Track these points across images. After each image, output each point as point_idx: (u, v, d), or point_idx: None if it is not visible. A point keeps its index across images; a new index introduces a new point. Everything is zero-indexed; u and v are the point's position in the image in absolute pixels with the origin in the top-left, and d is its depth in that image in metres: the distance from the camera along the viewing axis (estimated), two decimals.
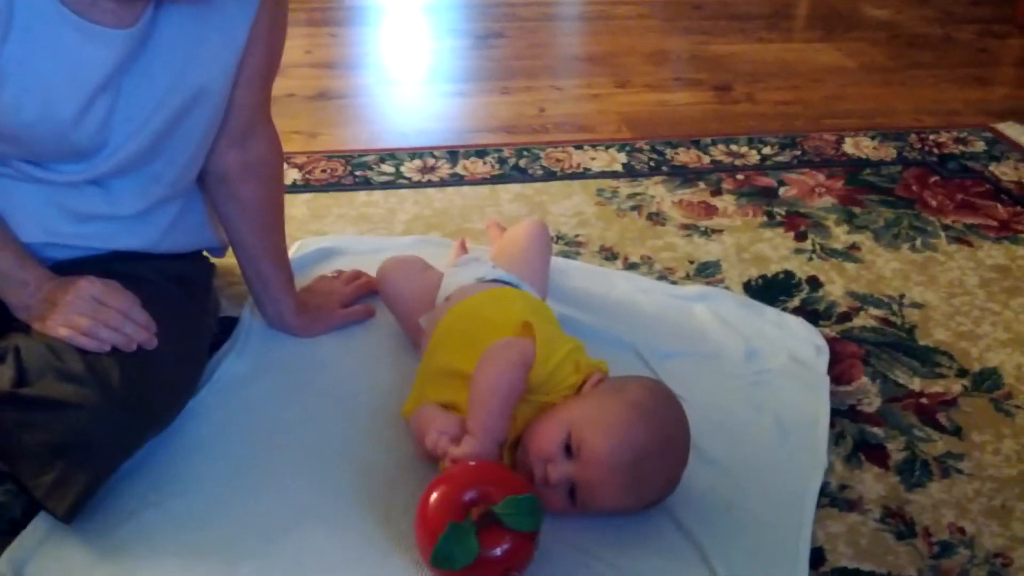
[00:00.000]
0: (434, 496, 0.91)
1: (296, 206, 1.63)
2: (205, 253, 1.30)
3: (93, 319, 1.01)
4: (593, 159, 1.84)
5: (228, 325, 1.31)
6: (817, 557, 1.01)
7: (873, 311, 1.42)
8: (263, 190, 1.20)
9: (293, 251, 1.48)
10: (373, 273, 1.38)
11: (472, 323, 1.11)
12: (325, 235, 1.54)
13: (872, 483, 1.11)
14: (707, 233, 1.60)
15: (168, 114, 1.06)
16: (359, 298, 1.34)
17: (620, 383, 1.03)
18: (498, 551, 0.88)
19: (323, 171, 1.75)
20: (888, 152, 1.90)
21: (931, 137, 1.97)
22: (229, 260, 1.33)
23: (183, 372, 1.11)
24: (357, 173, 1.75)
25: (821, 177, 1.79)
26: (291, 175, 1.72)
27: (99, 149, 1.05)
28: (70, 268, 1.08)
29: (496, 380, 0.99)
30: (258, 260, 1.23)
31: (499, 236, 1.44)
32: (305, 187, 1.69)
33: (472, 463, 0.95)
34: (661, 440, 0.98)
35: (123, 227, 1.12)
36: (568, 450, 0.96)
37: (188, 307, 1.17)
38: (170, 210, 1.16)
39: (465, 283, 1.19)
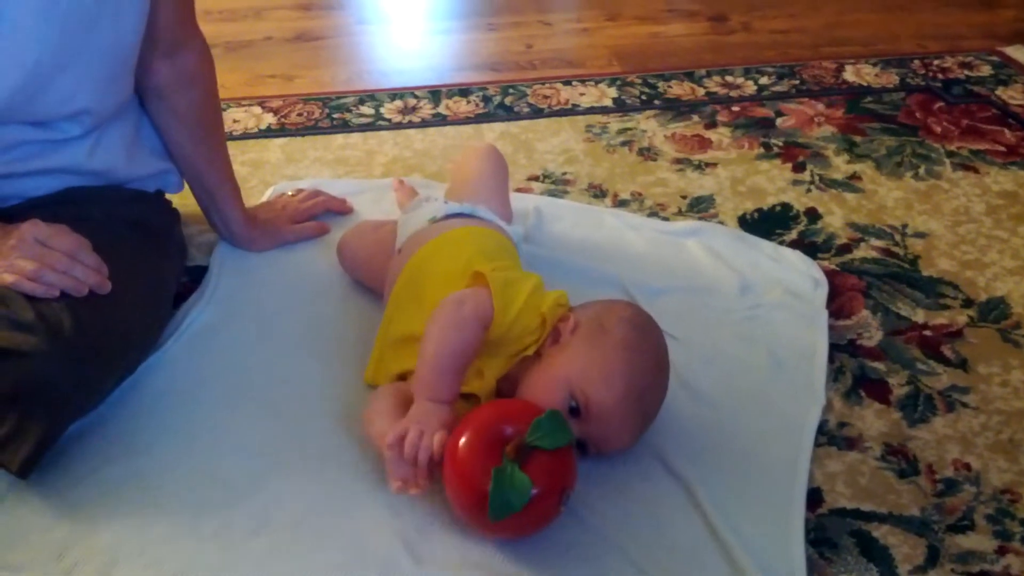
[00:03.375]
0: (461, 452, 0.85)
1: (270, 150, 1.56)
2: (167, 196, 1.25)
3: (38, 263, 0.95)
4: (582, 95, 1.76)
5: (198, 275, 1.26)
6: (815, 498, 0.96)
7: (874, 242, 1.35)
8: (198, 99, 1.18)
9: (267, 196, 1.42)
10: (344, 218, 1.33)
11: (423, 280, 1.04)
12: (300, 179, 1.48)
13: (872, 420, 1.06)
14: (700, 167, 1.53)
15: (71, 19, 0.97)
16: (313, 216, 1.30)
17: (597, 323, 0.96)
18: (549, 476, 0.85)
19: (299, 115, 1.67)
20: (890, 79, 1.82)
21: (935, 62, 1.88)
22: (197, 209, 1.28)
23: (142, 318, 1.05)
24: (335, 116, 1.67)
25: (820, 106, 1.72)
26: (266, 119, 1.65)
27: None
28: (16, 215, 1.02)
29: (443, 340, 0.93)
30: (203, 174, 1.22)
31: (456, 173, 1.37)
32: (280, 131, 1.62)
33: (476, 412, 0.89)
34: (655, 371, 0.96)
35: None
36: (572, 410, 0.91)
37: (146, 251, 1.12)
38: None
39: (418, 227, 1.13)
